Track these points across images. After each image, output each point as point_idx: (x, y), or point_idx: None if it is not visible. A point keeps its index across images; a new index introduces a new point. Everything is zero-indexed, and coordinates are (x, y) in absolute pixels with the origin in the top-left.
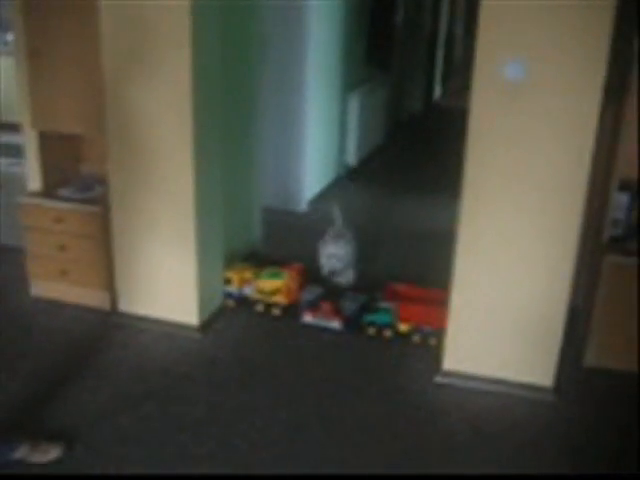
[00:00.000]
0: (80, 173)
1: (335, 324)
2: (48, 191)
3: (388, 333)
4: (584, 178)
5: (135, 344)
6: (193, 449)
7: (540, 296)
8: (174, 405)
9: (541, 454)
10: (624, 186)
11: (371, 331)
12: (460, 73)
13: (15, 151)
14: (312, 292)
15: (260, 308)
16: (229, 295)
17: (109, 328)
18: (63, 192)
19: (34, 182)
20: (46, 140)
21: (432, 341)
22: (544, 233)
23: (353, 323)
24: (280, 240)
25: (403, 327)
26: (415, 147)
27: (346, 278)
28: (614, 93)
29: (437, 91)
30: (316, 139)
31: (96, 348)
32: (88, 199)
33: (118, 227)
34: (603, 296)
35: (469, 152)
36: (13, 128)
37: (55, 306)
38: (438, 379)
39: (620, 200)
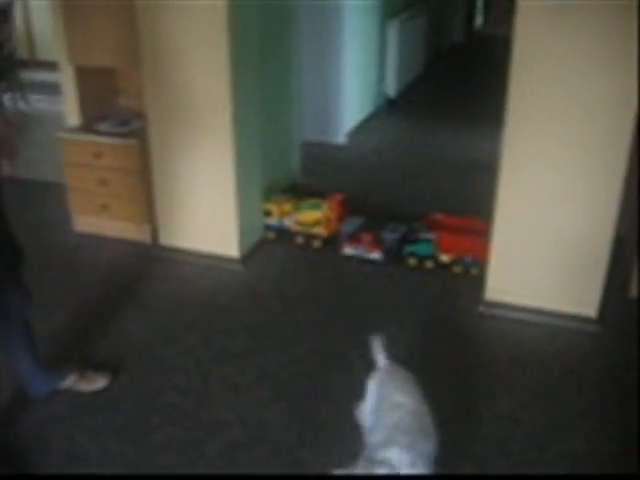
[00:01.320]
0: (117, 107)
1: (376, 255)
2: (87, 126)
3: (429, 264)
4: (633, 106)
5: (176, 277)
6: (235, 379)
7: (585, 226)
8: (216, 336)
9: (583, 384)
10: None
11: (412, 262)
12: None
13: (52, 89)
14: (352, 223)
15: (300, 240)
16: (269, 227)
17: (150, 261)
18: (101, 127)
19: (72, 118)
20: (83, 76)
21: (474, 272)
22: (589, 162)
23: (394, 254)
24: (319, 172)
25: (444, 258)
26: (456, 77)
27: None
28: None
29: (479, 19)
30: (354, 70)
31: (138, 281)
32: (126, 133)
33: (157, 160)
34: None
35: (513, 80)
36: (50, 66)
37: (97, 240)
38: (481, 309)
39: None
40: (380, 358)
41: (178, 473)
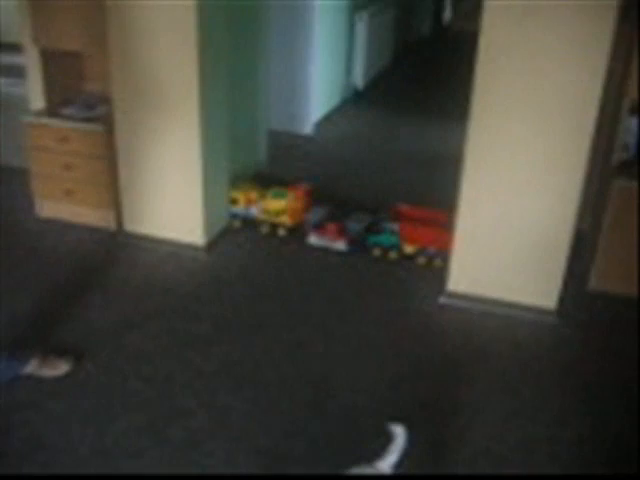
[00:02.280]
0: (83, 92)
1: (340, 245)
2: (52, 110)
3: (393, 254)
4: (595, 101)
5: (141, 263)
6: (200, 366)
7: (546, 219)
8: (180, 323)
9: (542, 374)
10: (635, 110)
11: (376, 252)
12: None
13: (16, 71)
14: (317, 213)
15: (266, 229)
16: (235, 215)
17: (115, 248)
18: (67, 111)
19: (36, 102)
20: (48, 58)
21: (437, 263)
22: (552, 156)
23: (358, 244)
24: (286, 162)
25: (408, 248)
26: (423, 71)
27: None
28: (629, 12)
29: (448, 14)
30: (322, 61)
31: (102, 267)
32: (92, 118)
33: (123, 146)
34: (610, 220)
35: (478, 74)
36: (14, 48)
37: (61, 226)
38: (442, 300)
39: (630, 124)
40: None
41: (178, 474)
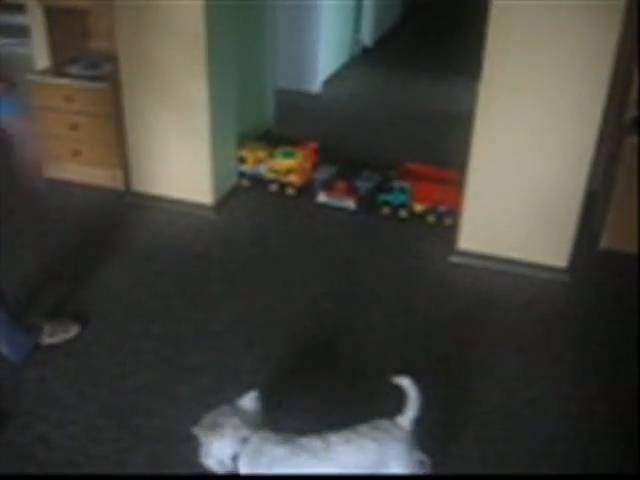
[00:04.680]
0: (88, 50)
1: (350, 204)
2: (56, 69)
3: (403, 213)
4: (609, 58)
5: (149, 223)
6: (209, 324)
7: (558, 177)
8: (189, 282)
9: (554, 333)
10: None
11: (386, 211)
12: None
13: (20, 31)
14: (326, 171)
15: (274, 188)
16: (243, 174)
17: (123, 208)
18: (72, 70)
19: (41, 61)
20: (52, 16)
21: (447, 221)
22: (565, 114)
23: (368, 203)
24: (294, 120)
25: (418, 207)
26: (433, 27)
27: None
28: None
29: None
30: (330, 18)
31: (111, 227)
32: (97, 76)
33: (129, 105)
34: (622, 178)
35: (490, 32)
36: (17, 8)
37: (68, 187)
38: (453, 259)
39: None
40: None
41: (179, 474)
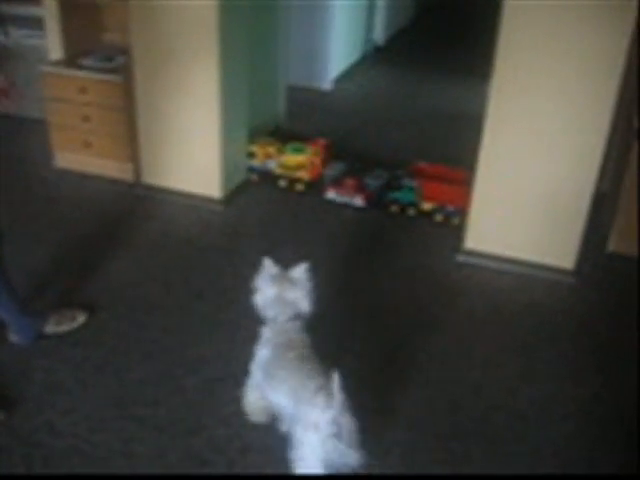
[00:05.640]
0: (102, 43)
1: (358, 201)
2: (70, 61)
3: (411, 211)
4: (620, 62)
5: (159, 215)
6: (215, 316)
7: (566, 179)
8: (197, 275)
9: (557, 333)
10: None
11: (394, 209)
12: None
13: (35, 23)
14: (336, 168)
15: (283, 183)
16: (253, 169)
17: (133, 199)
18: (85, 62)
19: (55, 53)
20: (67, 9)
21: (455, 220)
22: (574, 117)
23: (376, 200)
24: (304, 117)
25: (426, 205)
26: (446, 27)
27: None
28: None
29: None
30: (343, 16)
31: (120, 219)
32: (110, 69)
33: (142, 98)
34: (630, 181)
35: (502, 33)
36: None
37: (79, 178)
38: (460, 258)
39: None
40: None
41: (179, 474)
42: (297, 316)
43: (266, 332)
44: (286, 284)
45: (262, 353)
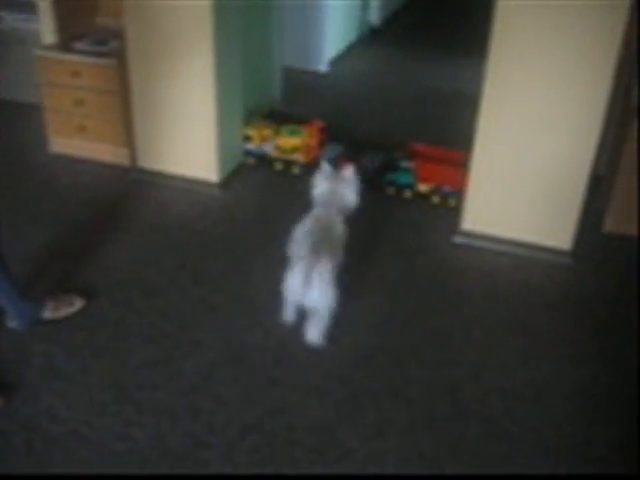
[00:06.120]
0: (95, 26)
1: None
2: (63, 45)
3: (408, 193)
4: (616, 41)
5: (155, 200)
6: (213, 300)
7: (563, 160)
8: (194, 259)
9: (556, 314)
10: None
11: (391, 191)
12: None
13: (29, 7)
14: (332, 150)
15: (279, 166)
16: (249, 153)
17: (129, 184)
18: (79, 45)
19: (48, 36)
20: None
21: (452, 202)
22: (572, 97)
23: (373, 182)
24: (300, 99)
25: (423, 187)
26: (442, 8)
27: None
28: None
29: None
30: None
31: (116, 203)
32: (105, 53)
33: (136, 82)
34: (628, 161)
35: (498, 12)
36: None
37: (74, 162)
38: (456, 239)
39: None
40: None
41: (179, 474)
42: (344, 209)
43: (315, 211)
44: (338, 181)
45: (303, 223)
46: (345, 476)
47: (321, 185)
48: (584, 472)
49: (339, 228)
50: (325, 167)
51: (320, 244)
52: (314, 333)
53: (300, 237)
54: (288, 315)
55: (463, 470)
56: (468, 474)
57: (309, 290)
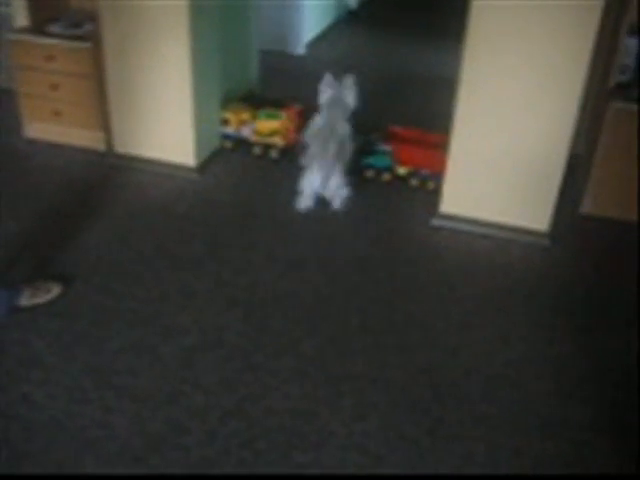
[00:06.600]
0: (69, 10)
1: None
2: (36, 28)
3: (386, 176)
4: (594, 23)
5: (132, 184)
6: (192, 285)
7: (541, 142)
8: (173, 244)
9: (533, 296)
10: (634, 30)
11: (369, 174)
12: None
13: None
14: None
15: (258, 150)
16: (227, 137)
17: (106, 169)
18: (52, 29)
19: (20, 19)
20: None
21: (430, 185)
22: (549, 78)
23: (351, 165)
24: (278, 82)
25: (401, 170)
26: None
27: None
28: None
29: None
30: None
31: (93, 188)
32: (79, 36)
33: (111, 65)
34: (605, 143)
35: None
36: None
37: (50, 147)
38: (435, 222)
39: (629, 45)
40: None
41: (178, 473)
42: (346, 111)
43: (322, 113)
44: (340, 88)
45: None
46: (345, 476)
47: (326, 91)
48: (561, 450)
49: (344, 126)
50: (328, 76)
51: (332, 144)
52: (337, 202)
53: (313, 137)
54: (306, 204)
55: (443, 451)
56: (468, 474)
57: (328, 184)
